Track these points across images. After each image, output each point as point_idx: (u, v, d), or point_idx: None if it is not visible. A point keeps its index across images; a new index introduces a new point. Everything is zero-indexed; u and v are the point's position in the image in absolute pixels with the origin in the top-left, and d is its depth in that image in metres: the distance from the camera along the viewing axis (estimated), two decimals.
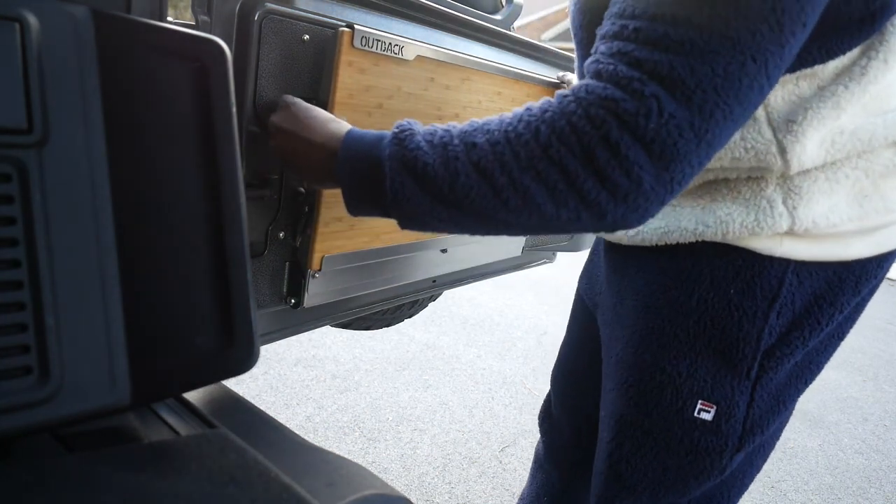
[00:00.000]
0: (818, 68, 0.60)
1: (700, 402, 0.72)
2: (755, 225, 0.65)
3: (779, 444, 2.34)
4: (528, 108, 0.54)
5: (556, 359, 1.11)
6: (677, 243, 0.71)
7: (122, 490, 0.35)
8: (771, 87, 0.51)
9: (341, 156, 0.60)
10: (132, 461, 0.38)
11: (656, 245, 0.73)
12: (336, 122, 0.64)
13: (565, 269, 4.51)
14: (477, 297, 3.55)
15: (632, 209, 0.52)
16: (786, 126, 0.61)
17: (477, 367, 2.65)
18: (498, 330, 3.12)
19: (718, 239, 0.68)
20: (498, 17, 1.13)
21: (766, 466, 2.18)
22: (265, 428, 0.52)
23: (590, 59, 0.54)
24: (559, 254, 1.40)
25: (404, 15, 0.82)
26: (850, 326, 0.74)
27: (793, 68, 0.60)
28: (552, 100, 0.53)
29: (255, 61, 0.66)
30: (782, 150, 0.62)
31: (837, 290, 0.68)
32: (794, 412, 2.64)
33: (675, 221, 0.70)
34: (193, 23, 0.64)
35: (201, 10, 0.63)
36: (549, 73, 1.11)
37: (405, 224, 0.60)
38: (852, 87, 0.60)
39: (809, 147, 0.61)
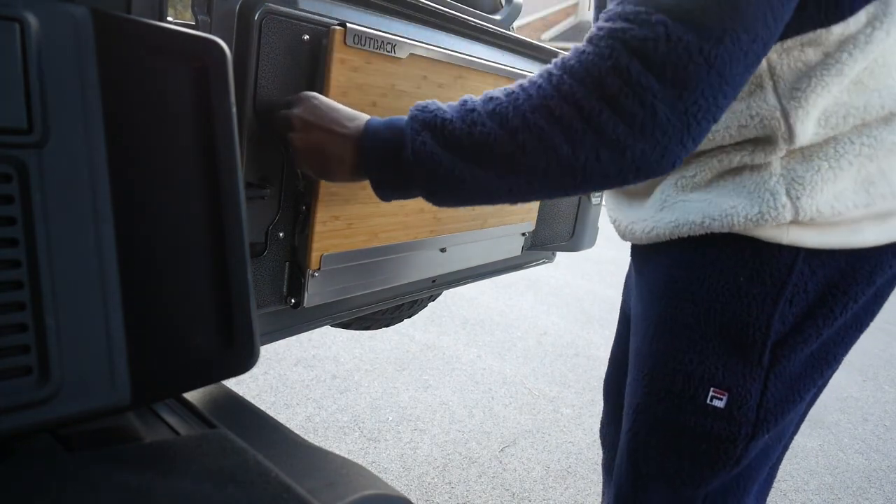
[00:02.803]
0: (822, 33, 0.61)
1: (712, 389, 0.72)
2: (759, 217, 0.66)
3: None
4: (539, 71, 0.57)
5: (606, 372, 1.13)
6: (688, 236, 0.72)
7: (123, 490, 0.35)
8: (776, 21, 0.52)
9: (365, 137, 0.62)
10: (132, 461, 0.38)
11: (669, 239, 0.75)
12: (358, 116, 0.66)
13: (565, 269, 4.51)
14: (477, 298, 3.55)
15: (651, 145, 0.52)
16: (790, 93, 0.62)
17: (477, 367, 2.65)
18: (498, 330, 3.12)
19: (725, 231, 0.68)
20: (497, 17, 1.13)
21: None
22: (265, 428, 0.52)
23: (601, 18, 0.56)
24: (559, 254, 1.40)
25: (404, 15, 0.82)
26: (870, 319, 0.74)
27: (797, 31, 0.61)
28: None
29: (255, 61, 0.66)
30: (786, 116, 0.63)
31: (851, 280, 0.68)
32: None
33: (683, 216, 0.71)
34: (193, 23, 0.64)
35: (201, 10, 0.63)
36: None
37: (431, 193, 0.61)
38: (857, 54, 0.61)
39: (812, 114, 0.63)
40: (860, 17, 0.60)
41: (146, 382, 0.40)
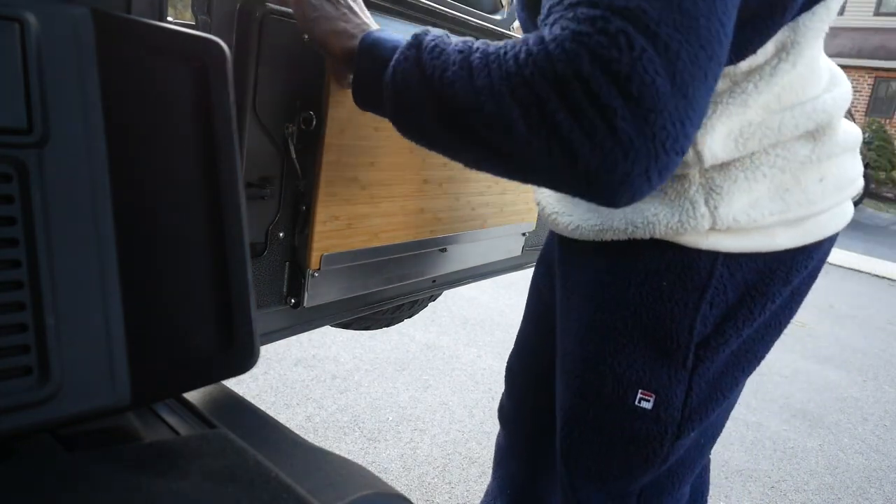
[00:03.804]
0: (730, 69, 0.62)
1: (640, 391, 0.74)
2: (679, 225, 0.67)
3: (779, 445, 2.34)
4: (522, 37, 0.54)
5: (511, 351, 1.11)
6: (612, 239, 0.73)
7: (122, 489, 0.35)
8: (727, 38, 0.50)
9: (369, 36, 0.61)
10: (132, 461, 0.38)
11: (594, 240, 0.75)
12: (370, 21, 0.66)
13: None
14: (477, 297, 3.54)
15: (609, 162, 0.48)
16: None
17: (477, 367, 2.64)
18: (498, 330, 3.12)
19: (647, 237, 0.70)
20: (497, 17, 1.13)
21: (766, 466, 2.18)
22: (265, 428, 0.52)
23: (551, 17, 0.52)
24: None
25: (404, 15, 0.82)
26: (789, 317, 0.77)
27: None
28: (539, 32, 0.52)
29: (255, 61, 0.66)
30: (692, 143, 0.63)
31: (769, 281, 0.70)
32: (794, 412, 2.64)
33: (608, 221, 0.72)
34: (193, 23, 0.64)
35: (201, 10, 0.63)
36: None
37: (394, 109, 0.59)
38: (761, 86, 0.62)
39: (718, 139, 0.64)
40: (768, 48, 0.61)
41: (146, 382, 0.40)
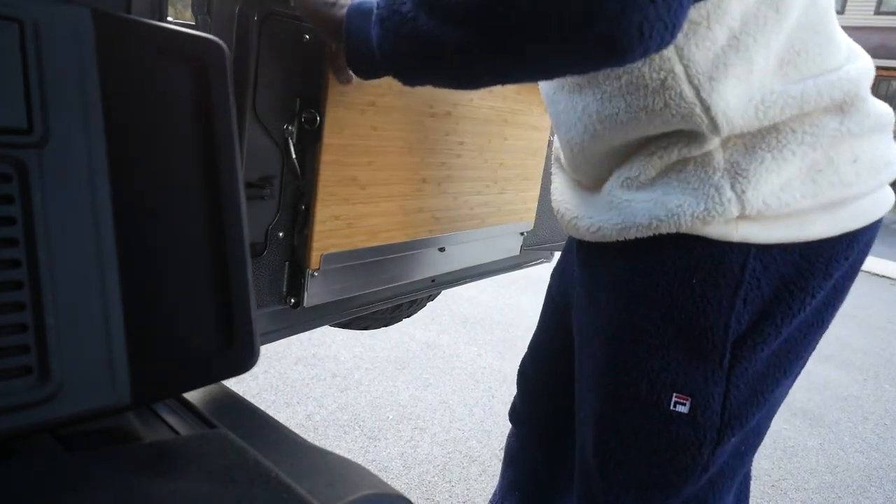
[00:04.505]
0: (725, 18, 0.59)
1: (675, 395, 0.71)
2: (705, 214, 0.64)
3: (779, 443, 2.35)
4: None
5: (524, 355, 1.10)
6: (636, 238, 0.70)
7: (122, 489, 0.35)
8: None
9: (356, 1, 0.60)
10: (132, 461, 0.38)
11: (617, 241, 0.72)
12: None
13: None
14: (477, 296, 3.55)
15: None
16: (710, 85, 0.61)
17: (477, 366, 2.65)
18: (498, 328, 3.12)
19: (673, 231, 0.67)
20: None
21: (766, 465, 2.18)
22: (265, 428, 0.52)
23: None
24: (557, 253, 1.40)
25: None
26: (832, 314, 0.73)
27: None
28: None
29: (255, 61, 0.66)
30: (706, 109, 0.61)
31: (807, 274, 0.67)
32: (795, 411, 2.64)
33: (630, 217, 0.69)
34: (193, 23, 0.64)
35: (201, 10, 0.63)
36: None
37: (384, 35, 0.56)
38: (759, 38, 0.60)
39: (732, 103, 0.61)
40: None
41: (146, 382, 0.40)
